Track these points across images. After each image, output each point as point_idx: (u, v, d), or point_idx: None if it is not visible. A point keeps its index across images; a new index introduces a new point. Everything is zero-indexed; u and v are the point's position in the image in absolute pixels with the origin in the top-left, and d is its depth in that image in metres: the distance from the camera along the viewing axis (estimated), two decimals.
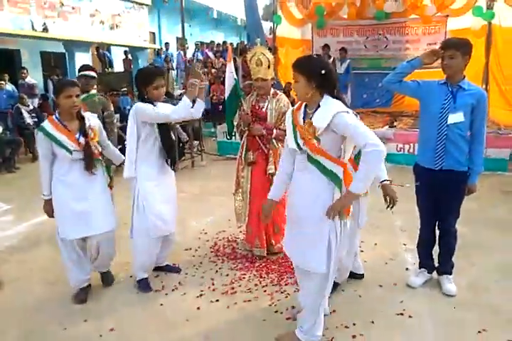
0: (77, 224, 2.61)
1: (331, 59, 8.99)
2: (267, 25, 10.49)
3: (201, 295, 2.79)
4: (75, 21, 9.80)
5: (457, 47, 2.58)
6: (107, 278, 2.96)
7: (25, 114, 7.52)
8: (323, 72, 1.96)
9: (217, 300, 2.72)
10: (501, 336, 2.33)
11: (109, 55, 12.54)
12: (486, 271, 3.10)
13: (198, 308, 2.64)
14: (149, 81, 2.65)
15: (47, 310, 2.63)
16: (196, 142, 7.30)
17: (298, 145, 2.05)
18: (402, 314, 2.55)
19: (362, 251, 3.46)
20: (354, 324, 2.46)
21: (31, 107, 7.89)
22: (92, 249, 2.73)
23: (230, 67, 3.34)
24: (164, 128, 2.77)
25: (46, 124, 2.55)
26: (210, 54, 10.98)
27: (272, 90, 3.21)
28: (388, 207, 2.51)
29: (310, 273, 2.12)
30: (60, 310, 2.62)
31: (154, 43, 14.71)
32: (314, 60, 2.03)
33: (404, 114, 8.65)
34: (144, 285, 2.86)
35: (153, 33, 15.30)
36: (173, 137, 2.90)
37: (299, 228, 2.12)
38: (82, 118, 2.62)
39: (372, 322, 2.48)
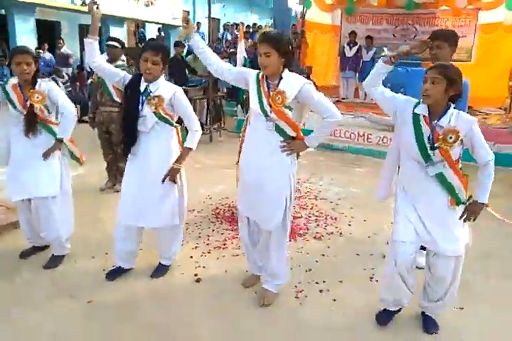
0: (15, 186, 2.73)
1: (357, 46, 9.08)
2: (299, 9, 10.58)
3: (196, 247, 3.17)
4: None
5: (445, 38, 2.78)
6: (51, 261, 2.85)
7: (61, 85, 8.03)
8: (291, 48, 2.23)
9: (209, 252, 3.09)
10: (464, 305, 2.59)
11: (144, 32, 12.93)
12: (467, 252, 3.31)
13: (191, 257, 3.01)
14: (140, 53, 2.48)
15: None
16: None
17: (263, 110, 2.25)
18: (371, 278, 2.84)
19: (350, 225, 3.76)
20: (324, 281, 2.78)
21: (66, 78, 8.41)
22: (33, 214, 2.79)
23: (241, 47, 3.60)
24: (125, 109, 2.58)
25: (10, 82, 2.71)
26: (242, 34, 11.15)
27: None
28: (461, 217, 2.17)
29: (270, 232, 2.41)
30: (74, 250, 3.00)
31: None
32: (285, 36, 2.26)
33: None
34: (108, 275, 2.71)
35: (188, 12, 15.55)
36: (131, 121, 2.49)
37: (262, 192, 2.33)
38: (34, 85, 2.66)
39: (341, 281, 2.79)
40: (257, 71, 2.33)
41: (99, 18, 2.49)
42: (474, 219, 2.16)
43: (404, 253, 2.17)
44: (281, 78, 2.25)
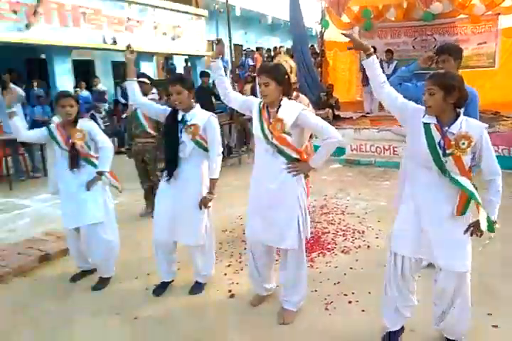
0: (66, 215, 3.04)
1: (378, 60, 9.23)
2: (319, 28, 10.90)
3: (229, 265, 3.37)
4: (140, 34, 10.89)
5: (450, 53, 2.92)
6: (98, 283, 3.12)
7: (99, 120, 8.62)
8: (286, 77, 2.42)
9: (241, 269, 3.27)
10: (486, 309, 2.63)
11: (173, 63, 13.66)
12: (490, 257, 3.34)
13: (225, 274, 3.21)
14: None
15: None
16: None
17: (265, 136, 2.42)
18: None
19: (377, 237, 3.85)
20: (353, 293, 2.89)
21: (103, 113, 9.03)
22: (82, 241, 3.08)
23: None
24: (166, 138, 2.85)
25: (53, 125, 3.01)
26: (260, 59, 11.60)
27: (294, 93, 3.68)
28: (466, 232, 2.11)
29: (287, 252, 2.55)
30: (118, 272, 3.26)
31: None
32: (282, 67, 2.46)
33: None
34: (154, 291, 2.97)
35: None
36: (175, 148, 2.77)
37: (273, 214, 2.47)
38: (75, 123, 2.96)
39: (369, 292, 2.89)
40: (260, 100, 2.53)
41: (133, 60, 2.81)
42: (481, 235, 2.11)
43: (401, 264, 2.20)
44: (280, 106, 2.43)
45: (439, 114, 2.04)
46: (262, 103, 2.51)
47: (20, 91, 6.77)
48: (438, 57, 2.95)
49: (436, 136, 2.03)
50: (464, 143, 1.97)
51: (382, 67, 9.08)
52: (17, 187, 6.09)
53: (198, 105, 2.89)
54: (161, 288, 2.99)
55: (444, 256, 2.09)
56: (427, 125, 2.06)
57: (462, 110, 2.13)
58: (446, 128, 2.03)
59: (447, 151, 2.00)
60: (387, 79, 2.23)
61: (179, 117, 2.79)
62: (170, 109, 2.86)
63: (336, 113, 8.81)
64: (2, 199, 5.54)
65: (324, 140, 2.43)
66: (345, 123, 8.05)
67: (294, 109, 2.41)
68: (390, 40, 10.01)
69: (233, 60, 9.24)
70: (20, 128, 2.94)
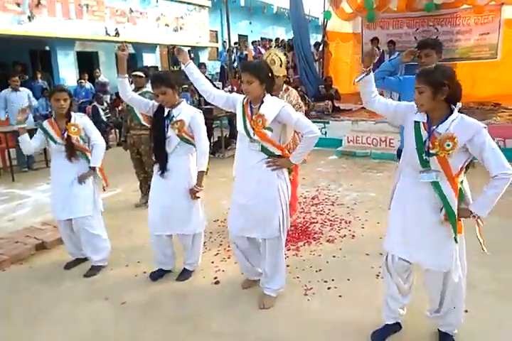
0: (57, 207, 3.17)
1: (380, 51, 9.21)
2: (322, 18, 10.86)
3: (217, 254, 3.49)
4: (142, 25, 10.95)
5: (432, 47, 2.98)
6: (90, 270, 3.24)
7: (101, 112, 8.74)
8: (270, 75, 2.48)
9: (228, 258, 3.39)
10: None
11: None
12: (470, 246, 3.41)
13: (212, 262, 3.33)
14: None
15: None
16: None
17: (247, 132, 2.49)
18: (377, 275, 3.00)
19: (363, 227, 3.95)
20: (333, 279, 3.00)
21: (105, 105, 9.14)
22: (76, 232, 3.23)
23: None
24: (153, 133, 2.94)
25: (45, 122, 3.14)
26: (263, 50, 11.63)
27: (284, 86, 3.75)
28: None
29: (266, 241, 2.64)
30: (110, 259, 3.39)
31: (217, 42, 15.66)
32: (264, 64, 2.52)
33: None
34: (151, 275, 3.12)
35: (216, 32, 16.24)
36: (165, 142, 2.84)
37: (253, 206, 2.56)
38: (69, 118, 3.10)
39: (348, 279, 3.00)
40: (244, 96, 2.59)
41: (125, 58, 2.86)
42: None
43: (394, 262, 2.22)
44: (262, 102, 2.49)
45: (431, 111, 1.98)
46: (245, 99, 2.57)
47: (34, 101, 7.17)
48: (420, 52, 3.01)
49: (424, 134, 1.99)
50: (448, 145, 1.89)
51: (383, 58, 9.15)
52: (19, 178, 6.26)
53: (184, 101, 2.98)
54: (158, 274, 3.12)
55: (424, 256, 2.11)
56: (417, 123, 2.02)
57: (459, 106, 1.98)
58: (434, 127, 1.96)
59: (431, 151, 1.95)
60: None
61: (166, 113, 2.87)
62: (156, 103, 2.94)
63: (336, 104, 8.84)
64: (5, 190, 5.72)
65: (304, 135, 2.48)
66: (343, 115, 8.08)
67: (276, 105, 2.47)
68: (392, 31, 9.95)
69: (231, 52, 9.26)
70: (28, 143, 3.08)
